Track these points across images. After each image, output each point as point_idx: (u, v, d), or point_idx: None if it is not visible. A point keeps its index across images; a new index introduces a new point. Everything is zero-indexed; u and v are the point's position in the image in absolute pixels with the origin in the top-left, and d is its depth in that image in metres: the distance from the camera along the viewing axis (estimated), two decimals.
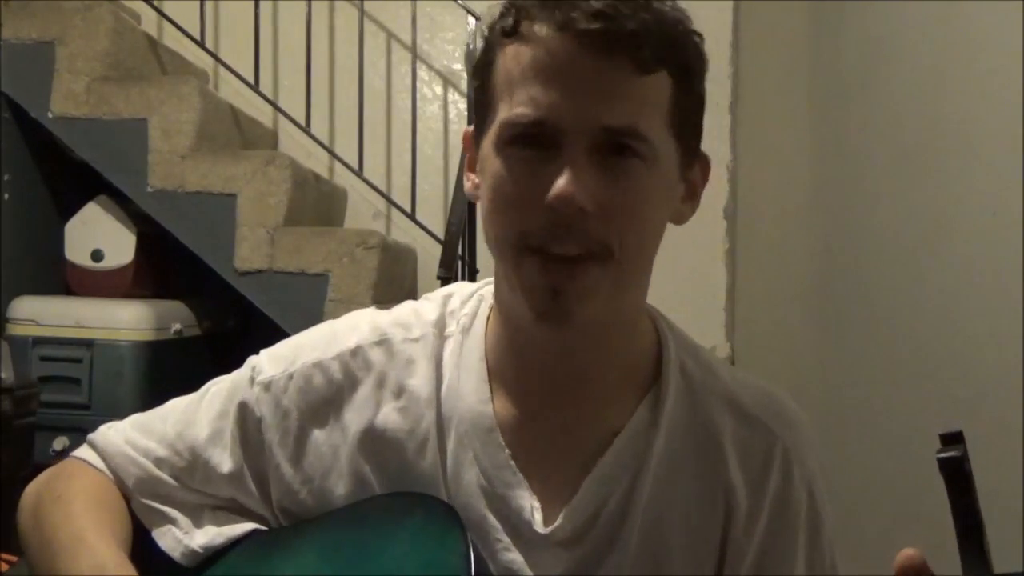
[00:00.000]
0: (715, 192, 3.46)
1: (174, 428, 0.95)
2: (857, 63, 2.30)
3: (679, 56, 0.82)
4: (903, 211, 1.94)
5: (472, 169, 0.90)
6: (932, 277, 1.77)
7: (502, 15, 0.84)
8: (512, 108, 0.81)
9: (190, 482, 0.94)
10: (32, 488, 0.97)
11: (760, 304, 3.26)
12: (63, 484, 0.95)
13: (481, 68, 0.86)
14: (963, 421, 1.68)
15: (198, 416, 0.95)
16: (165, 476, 0.94)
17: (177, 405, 0.98)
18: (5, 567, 1.81)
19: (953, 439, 0.62)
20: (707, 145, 0.90)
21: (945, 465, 0.62)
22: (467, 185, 0.91)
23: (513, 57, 0.82)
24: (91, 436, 0.98)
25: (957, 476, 0.62)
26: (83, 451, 0.99)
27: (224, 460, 0.93)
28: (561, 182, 0.78)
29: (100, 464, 0.96)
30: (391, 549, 0.84)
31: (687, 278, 3.29)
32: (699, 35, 0.85)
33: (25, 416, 2.62)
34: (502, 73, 0.83)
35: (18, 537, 0.96)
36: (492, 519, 0.88)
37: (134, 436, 0.96)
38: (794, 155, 2.83)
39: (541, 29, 0.80)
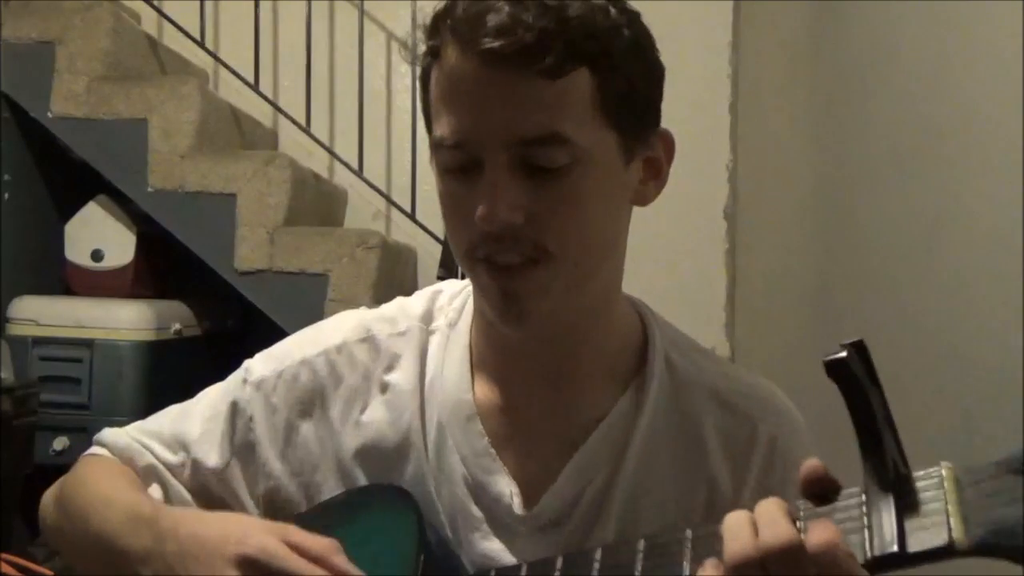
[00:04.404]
0: (715, 192, 3.45)
1: (170, 428, 0.98)
2: (857, 63, 2.30)
3: (591, 49, 0.81)
4: (903, 211, 1.94)
5: None
6: (932, 277, 1.77)
7: (429, 35, 0.85)
8: (436, 132, 0.84)
9: (181, 478, 0.97)
10: (49, 491, 0.99)
11: (760, 304, 3.26)
12: (80, 470, 0.98)
13: (423, 83, 0.87)
14: (963, 421, 1.68)
15: (192, 417, 0.98)
16: (162, 469, 0.96)
17: (173, 409, 1.01)
18: (5, 567, 1.81)
19: (854, 347, 0.59)
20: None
21: (831, 369, 0.60)
22: None
23: (435, 81, 0.84)
24: (96, 436, 1.01)
25: (845, 378, 0.60)
26: (91, 450, 1.01)
27: (211, 455, 0.95)
28: (482, 204, 0.80)
29: (109, 455, 0.99)
30: (349, 541, 0.85)
31: (687, 278, 3.29)
32: (625, 14, 0.84)
33: (25, 416, 2.62)
34: (432, 94, 0.85)
35: (47, 538, 0.98)
36: (473, 508, 0.89)
37: (136, 435, 0.99)
38: (794, 155, 2.83)
39: (450, 53, 0.81)
